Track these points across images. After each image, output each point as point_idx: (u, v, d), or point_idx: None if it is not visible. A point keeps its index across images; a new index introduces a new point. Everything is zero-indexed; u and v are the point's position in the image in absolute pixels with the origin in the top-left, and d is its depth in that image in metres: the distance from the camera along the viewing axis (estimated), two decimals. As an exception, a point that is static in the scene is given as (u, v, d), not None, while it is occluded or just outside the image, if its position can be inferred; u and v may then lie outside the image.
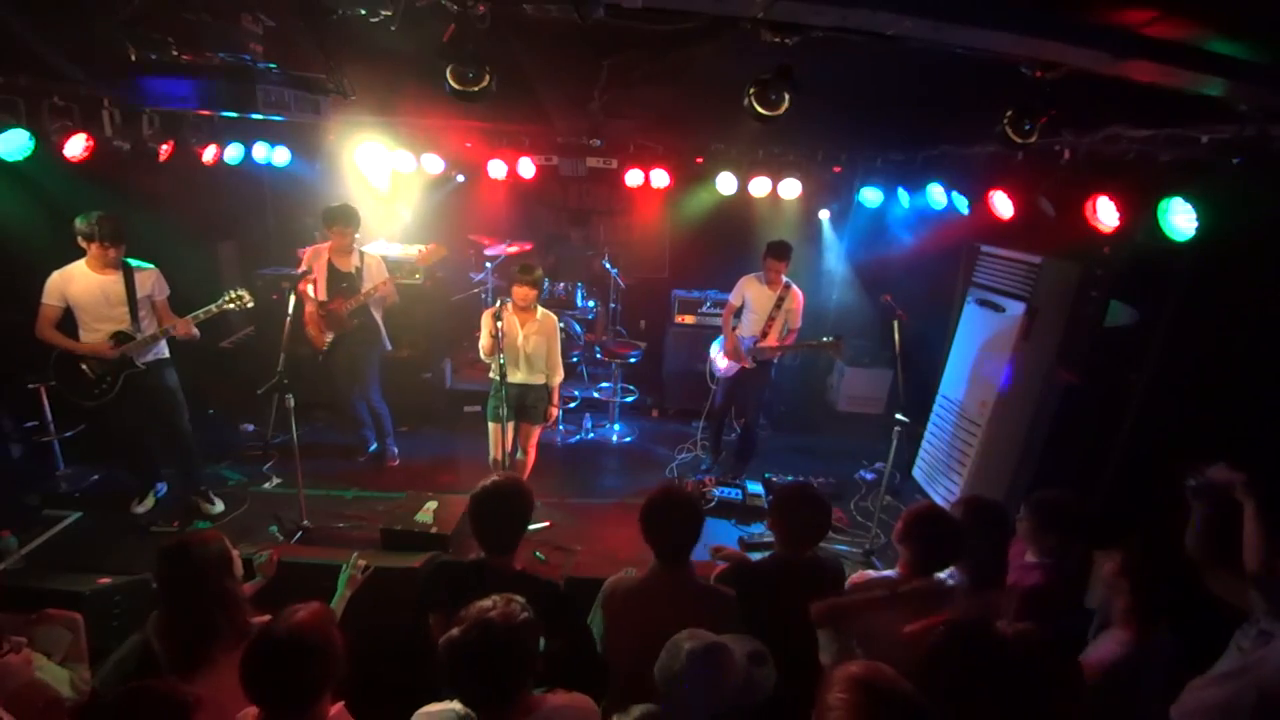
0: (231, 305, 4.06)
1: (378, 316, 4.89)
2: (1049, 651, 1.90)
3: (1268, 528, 2.17)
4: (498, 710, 1.76)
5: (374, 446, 5.39)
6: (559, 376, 4.47)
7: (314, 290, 4.68)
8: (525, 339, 4.25)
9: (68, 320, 3.92)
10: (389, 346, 5.07)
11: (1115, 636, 2.20)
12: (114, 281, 3.93)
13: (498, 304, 4.03)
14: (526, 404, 4.40)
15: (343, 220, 4.63)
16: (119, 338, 3.97)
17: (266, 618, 2.19)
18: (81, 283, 3.88)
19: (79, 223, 3.78)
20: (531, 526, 4.47)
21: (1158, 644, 2.14)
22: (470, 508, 2.38)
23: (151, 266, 4.11)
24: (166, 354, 4.22)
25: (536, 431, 4.55)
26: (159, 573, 2.18)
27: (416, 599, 2.43)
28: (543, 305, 4.42)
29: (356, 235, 4.75)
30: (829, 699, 1.49)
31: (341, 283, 4.71)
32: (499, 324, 3.91)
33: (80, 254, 3.87)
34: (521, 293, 4.17)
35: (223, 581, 2.19)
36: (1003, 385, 4.74)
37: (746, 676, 1.82)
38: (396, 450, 5.37)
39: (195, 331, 4.10)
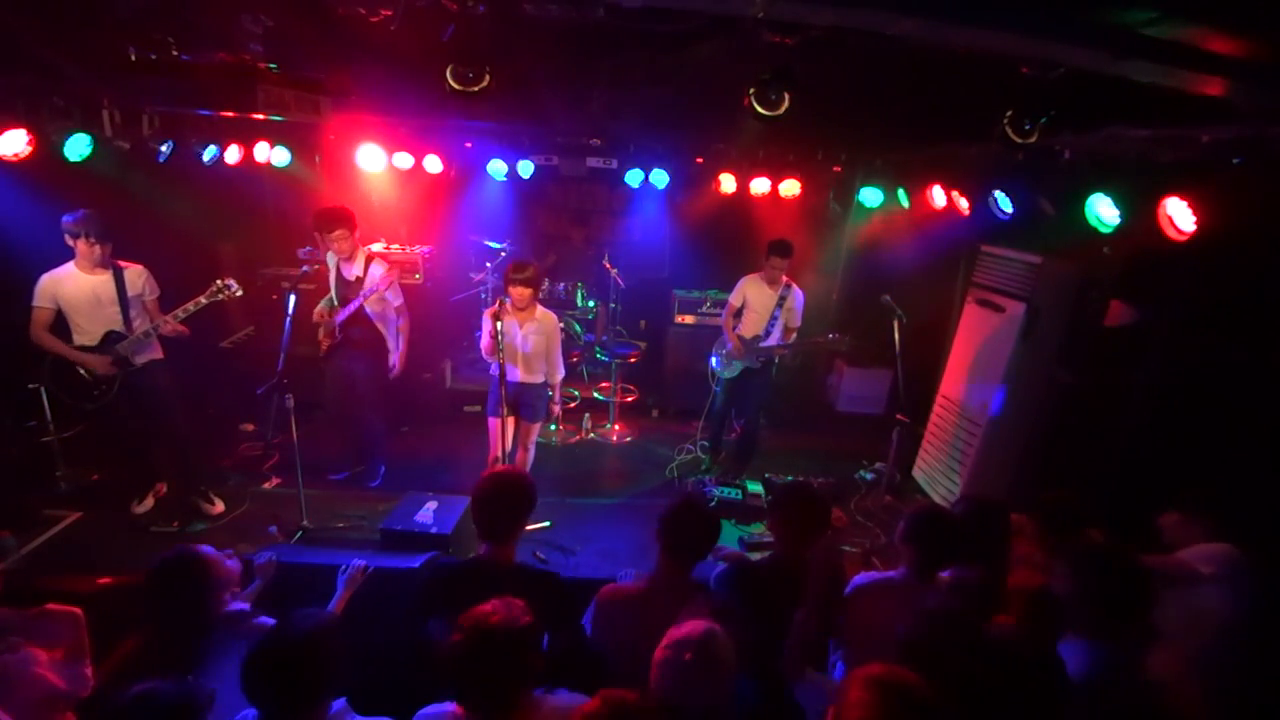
0: (221, 296, 3.99)
1: (384, 331, 4.61)
2: (1039, 653, 1.90)
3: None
4: (500, 714, 1.76)
5: (361, 466, 5.02)
6: (559, 375, 4.47)
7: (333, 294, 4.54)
8: (524, 338, 4.26)
9: (60, 323, 3.91)
10: (395, 366, 4.73)
11: (1081, 646, 2.12)
12: (104, 282, 3.92)
13: (497, 304, 4.04)
14: (524, 402, 4.41)
15: (326, 225, 4.34)
16: (111, 337, 3.97)
17: (259, 618, 2.19)
18: (72, 284, 3.86)
19: (66, 221, 3.76)
20: (531, 527, 4.49)
21: (1128, 648, 2.10)
22: (472, 497, 2.40)
23: (139, 266, 4.08)
24: (160, 354, 4.21)
25: (534, 430, 4.56)
26: (146, 590, 2.18)
27: (416, 601, 2.43)
28: (543, 305, 4.42)
29: (345, 238, 4.37)
30: (848, 698, 1.49)
31: (345, 290, 4.51)
32: (499, 324, 3.91)
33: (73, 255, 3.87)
34: (518, 293, 4.16)
35: (204, 599, 2.18)
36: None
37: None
38: (383, 470, 5.00)
39: (183, 328, 4.06)
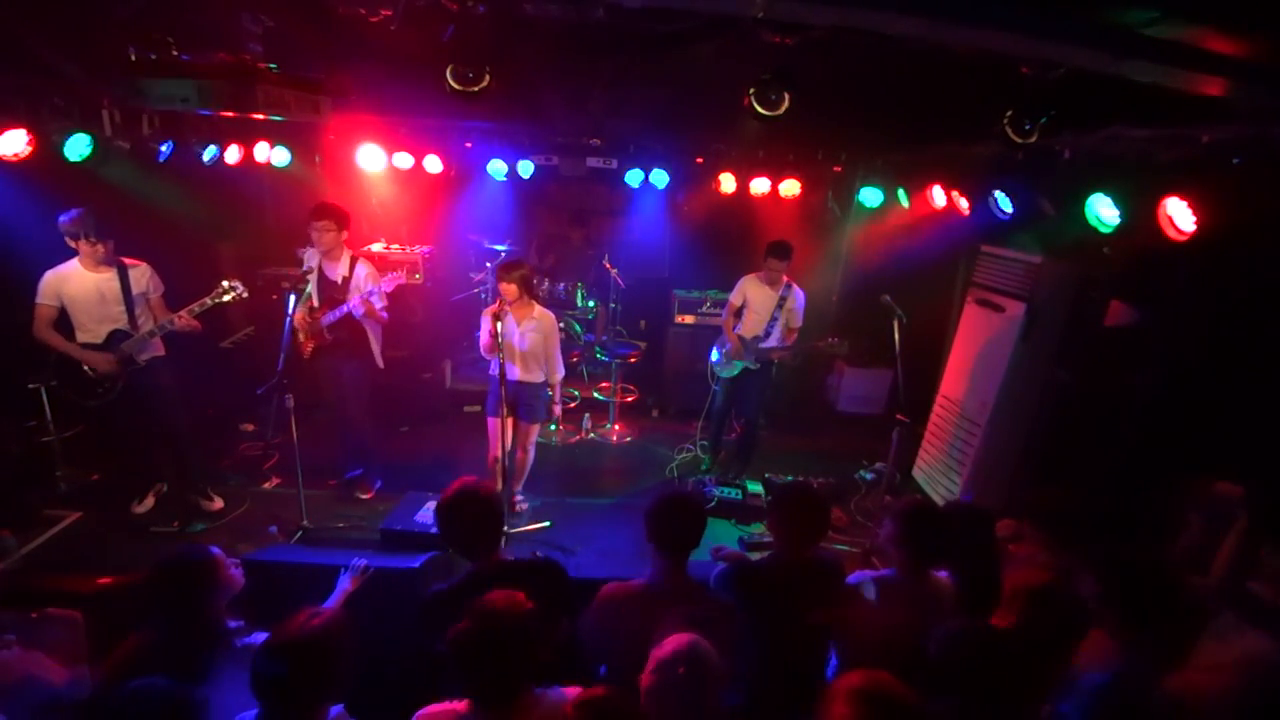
0: (226, 297, 4.00)
1: (369, 331, 4.51)
2: (1036, 648, 1.90)
3: (1250, 542, 2.18)
4: (502, 704, 1.78)
5: (356, 471, 4.89)
6: (559, 375, 4.45)
7: (313, 294, 4.45)
8: (521, 336, 4.25)
9: (63, 320, 3.91)
10: (380, 364, 4.64)
11: (1105, 649, 2.13)
12: (109, 279, 3.92)
13: (497, 303, 4.03)
14: (522, 401, 4.39)
15: (316, 213, 4.23)
16: (116, 336, 3.97)
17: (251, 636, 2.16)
18: (76, 282, 3.86)
19: (62, 222, 3.75)
20: (532, 527, 4.50)
21: (1146, 653, 2.10)
22: (438, 523, 2.39)
23: (143, 264, 4.08)
24: (162, 352, 4.21)
25: (534, 430, 4.55)
26: (148, 587, 2.16)
27: (421, 628, 2.41)
28: (542, 305, 4.42)
29: (328, 230, 4.25)
30: (832, 713, 1.48)
31: (329, 291, 4.39)
32: (499, 324, 3.90)
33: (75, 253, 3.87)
34: (504, 289, 4.11)
35: (206, 603, 2.15)
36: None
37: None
38: (379, 483, 4.88)
39: (196, 323, 4.05)
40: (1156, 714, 1.93)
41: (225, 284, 4.00)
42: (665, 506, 2.39)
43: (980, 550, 2.49)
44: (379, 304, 4.34)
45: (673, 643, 1.78)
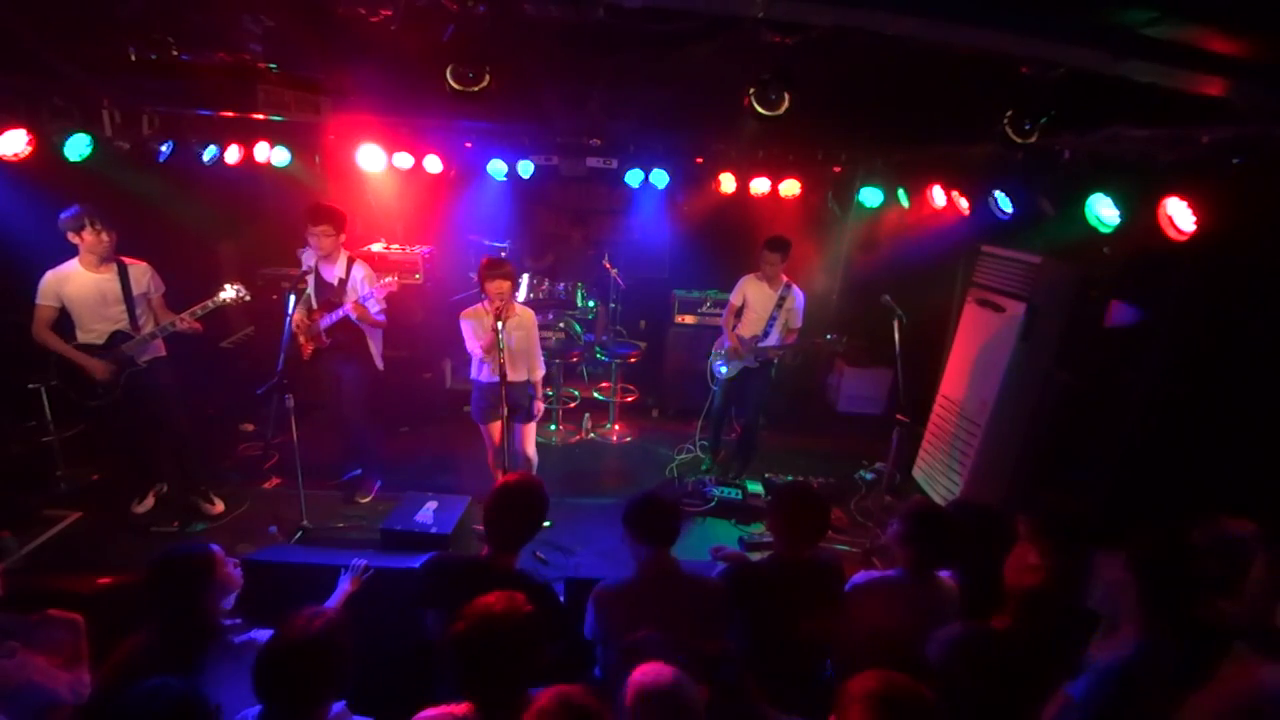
0: (228, 299, 4.00)
1: (368, 334, 4.49)
2: (1037, 649, 1.90)
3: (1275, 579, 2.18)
4: (500, 706, 1.77)
5: (355, 472, 4.90)
6: (541, 372, 4.40)
7: (311, 296, 4.44)
8: (507, 335, 4.17)
9: (64, 320, 3.90)
10: (380, 366, 4.64)
11: (1123, 634, 2.16)
12: (109, 279, 3.91)
13: (494, 305, 3.96)
14: (512, 403, 4.22)
15: (314, 218, 4.18)
16: (118, 337, 3.97)
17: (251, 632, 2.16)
18: (77, 282, 3.85)
19: (64, 218, 3.73)
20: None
21: (1163, 644, 2.10)
22: (488, 501, 2.41)
23: (143, 263, 4.08)
24: (164, 353, 4.21)
25: (530, 430, 4.51)
26: (146, 583, 2.14)
27: (415, 592, 2.43)
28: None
29: (327, 235, 4.23)
30: (848, 717, 1.47)
31: (325, 293, 4.38)
32: (500, 324, 3.86)
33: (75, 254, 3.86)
34: (496, 286, 3.99)
35: (204, 599, 2.14)
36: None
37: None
38: (379, 484, 4.88)
39: (198, 325, 4.05)
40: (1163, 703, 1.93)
41: (228, 286, 4.01)
42: (638, 502, 2.46)
43: (993, 551, 2.49)
44: (374, 309, 4.31)
45: (654, 674, 1.69)
